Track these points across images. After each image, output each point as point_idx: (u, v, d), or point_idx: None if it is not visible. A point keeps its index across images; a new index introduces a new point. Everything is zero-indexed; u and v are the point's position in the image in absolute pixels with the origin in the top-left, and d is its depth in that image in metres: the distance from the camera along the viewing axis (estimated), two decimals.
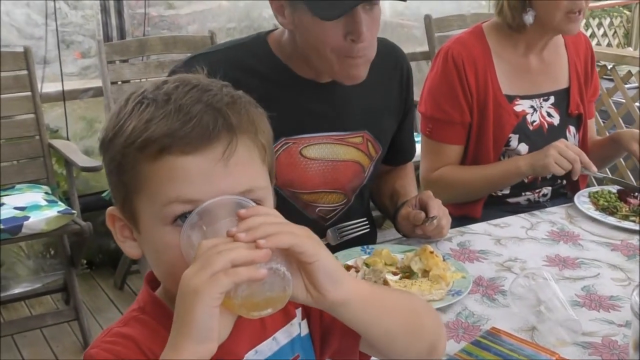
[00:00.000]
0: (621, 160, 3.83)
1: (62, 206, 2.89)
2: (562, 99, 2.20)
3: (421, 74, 4.29)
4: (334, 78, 1.65)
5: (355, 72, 1.60)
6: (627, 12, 7.22)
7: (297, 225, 0.84)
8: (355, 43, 1.54)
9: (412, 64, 4.16)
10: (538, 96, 2.17)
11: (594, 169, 1.97)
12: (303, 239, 0.82)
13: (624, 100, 3.93)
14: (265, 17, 3.95)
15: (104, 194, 3.28)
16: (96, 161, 2.96)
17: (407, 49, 4.35)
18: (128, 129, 0.88)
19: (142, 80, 3.41)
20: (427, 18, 3.95)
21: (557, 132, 2.17)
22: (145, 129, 0.86)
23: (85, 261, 3.62)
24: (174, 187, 0.86)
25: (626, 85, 3.95)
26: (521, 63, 2.16)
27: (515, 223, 1.92)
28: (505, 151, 2.14)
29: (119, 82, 3.37)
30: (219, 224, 0.84)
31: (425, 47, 4.07)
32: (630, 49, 6.84)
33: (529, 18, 2.07)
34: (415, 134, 2.08)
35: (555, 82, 2.20)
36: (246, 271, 0.77)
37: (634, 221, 1.87)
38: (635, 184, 2.04)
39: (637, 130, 2.17)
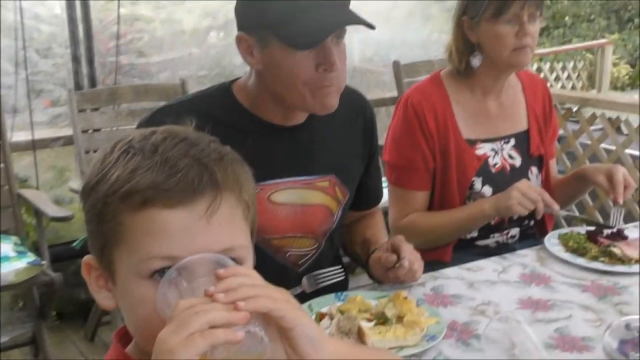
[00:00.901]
0: (588, 199, 3.89)
1: (31, 257, 2.85)
2: (523, 140, 2.25)
3: (390, 119, 4.34)
4: (307, 110, 1.68)
5: (328, 101, 1.62)
6: (590, 56, 7.41)
7: (276, 287, 0.83)
8: (328, 72, 1.58)
9: (382, 109, 4.25)
10: (499, 139, 2.22)
11: (557, 207, 2.00)
12: (282, 303, 0.81)
13: (589, 142, 4.00)
14: (236, 65, 3.98)
15: (74, 244, 3.25)
16: (67, 211, 2.94)
17: (376, 94, 4.44)
18: (112, 178, 0.87)
19: (113, 128, 3.41)
20: (396, 64, 4.02)
21: (519, 174, 2.20)
22: (130, 179, 0.86)
23: (55, 313, 3.56)
24: (154, 241, 0.85)
25: (591, 127, 4.03)
26: (480, 107, 2.21)
27: (487, 266, 1.93)
28: (470, 194, 2.18)
29: (90, 131, 3.36)
30: (197, 282, 0.83)
31: (394, 93, 4.12)
32: (594, 91, 7.00)
33: (476, 61, 2.13)
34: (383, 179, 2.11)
35: (515, 124, 2.25)
36: (223, 333, 0.76)
37: (603, 262, 1.89)
38: (603, 222, 2.06)
39: (601, 164, 2.21)
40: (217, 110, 1.68)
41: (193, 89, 3.59)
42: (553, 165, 2.38)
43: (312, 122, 1.75)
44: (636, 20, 13.16)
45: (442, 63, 3.97)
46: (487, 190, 2.16)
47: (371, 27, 1.55)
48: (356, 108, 1.87)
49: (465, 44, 2.14)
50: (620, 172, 2.06)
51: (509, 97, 2.25)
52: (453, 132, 2.15)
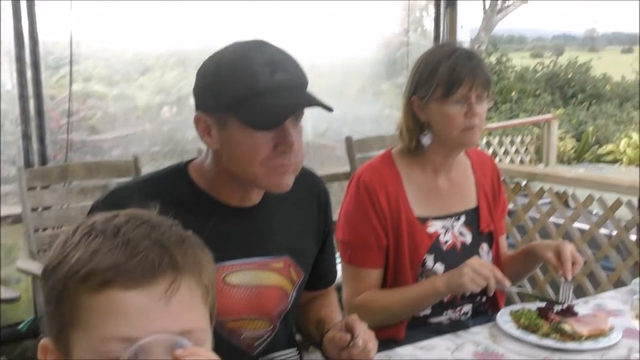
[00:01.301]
0: (540, 273, 3.94)
1: None
2: (473, 218, 2.28)
3: (343, 194, 4.37)
4: (263, 189, 1.68)
5: (284, 181, 1.63)
6: (537, 130, 7.61)
7: None
8: (286, 153, 1.59)
9: (335, 184, 4.28)
10: (449, 216, 2.25)
11: (508, 283, 2.02)
12: None
13: (538, 216, 4.08)
14: (188, 140, 3.99)
15: (20, 326, 3.16)
16: (14, 291, 2.87)
17: (329, 169, 4.48)
18: (72, 259, 0.87)
19: (64, 206, 3.37)
20: (348, 140, 4.07)
21: (470, 251, 2.23)
22: (90, 260, 0.86)
23: None
24: (112, 323, 0.85)
25: (540, 201, 4.12)
26: (431, 185, 2.25)
27: (440, 344, 1.93)
28: (422, 272, 2.19)
29: (40, 209, 3.32)
30: None
31: (347, 168, 4.16)
32: (542, 165, 7.17)
33: (426, 140, 2.17)
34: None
35: (465, 202, 2.29)
36: None
37: (554, 339, 1.91)
38: (554, 297, 2.09)
39: (550, 241, 2.25)
40: (173, 192, 1.67)
41: (146, 165, 3.59)
42: (503, 242, 2.42)
43: (268, 203, 1.75)
44: (579, 96, 13.65)
45: (394, 139, 4.04)
46: (439, 267, 2.18)
47: (329, 109, 1.58)
48: (311, 188, 1.89)
49: (415, 122, 2.19)
50: (568, 249, 2.10)
51: (459, 174, 2.30)
52: (405, 210, 2.18)
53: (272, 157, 1.60)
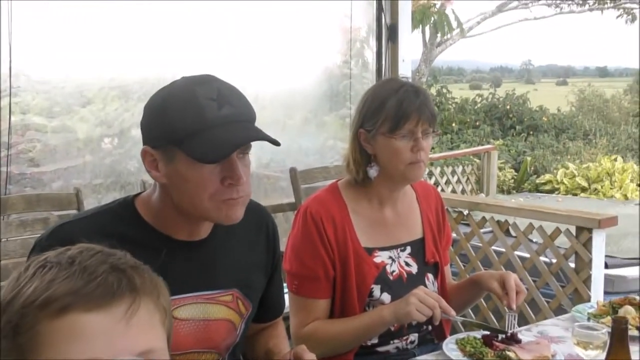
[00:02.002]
0: (483, 302, 3.99)
1: None
2: (418, 248, 2.31)
3: (288, 224, 4.37)
4: (212, 221, 1.68)
5: (233, 213, 1.63)
6: (477, 161, 7.75)
7: None
8: (234, 186, 1.59)
9: (279, 215, 4.27)
10: (395, 247, 2.27)
11: (453, 313, 2.05)
12: None
13: (481, 245, 4.14)
14: (131, 171, 3.94)
15: None
16: None
17: (274, 200, 4.47)
18: (29, 291, 0.87)
19: (3, 240, 3.28)
20: (292, 170, 4.07)
21: (416, 281, 2.25)
22: (47, 288, 0.86)
23: None
24: (74, 346, 0.85)
25: (482, 230, 4.18)
26: (377, 217, 2.27)
27: None
28: (369, 301, 2.20)
29: None
30: None
31: (292, 199, 4.16)
32: (482, 195, 7.30)
33: (373, 172, 2.20)
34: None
35: (411, 233, 2.32)
36: None
37: None
38: (497, 325, 2.12)
39: (494, 272, 2.29)
40: (120, 227, 1.65)
41: (88, 197, 3.53)
42: (448, 272, 2.45)
43: (216, 236, 1.75)
44: (517, 127, 13.98)
45: (338, 169, 4.13)
46: (386, 297, 2.19)
47: (276, 143, 1.59)
48: (259, 221, 1.89)
49: (362, 155, 2.21)
50: (512, 278, 2.14)
51: (405, 206, 2.33)
52: (351, 241, 2.19)
53: (220, 190, 1.60)
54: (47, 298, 0.85)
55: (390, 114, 2.14)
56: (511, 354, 1.95)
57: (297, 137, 4.86)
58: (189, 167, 1.57)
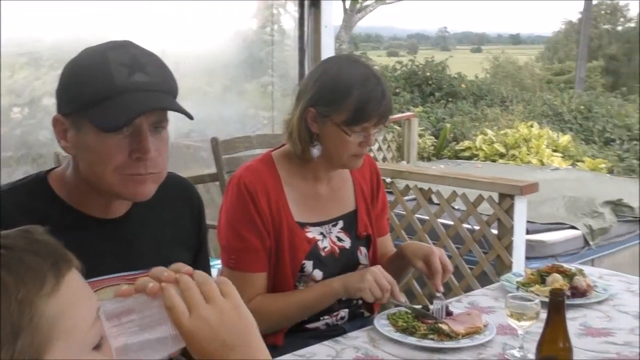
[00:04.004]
0: (417, 285, 4.01)
1: None
2: (351, 222, 2.26)
3: (209, 195, 4.28)
4: (120, 197, 1.57)
5: (141, 190, 1.53)
6: (398, 128, 7.77)
7: None
8: (142, 161, 1.49)
9: (200, 186, 4.16)
10: (327, 222, 2.22)
11: (402, 299, 2.03)
12: None
13: (404, 213, 4.14)
14: (42, 142, 3.75)
15: None
16: None
17: (194, 171, 4.35)
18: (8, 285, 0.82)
19: None
20: (214, 140, 3.96)
21: (349, 256, 2.21)
22: (26, 271, 0.84)
23: None
24: (86, 305, 0.88)
25: (405, 198, 4.18)
26: (310, 192, 2.21)
27: (320, 351, 1.89)
28: (301, 277, 2.15)
29: None
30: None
31: (213, 169, 4.06)
32: (404, 162, 7.34)
33: (315, 152, 2.12)
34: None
35: (343, 206, 2.26)
36: None
37: (433, 339, 1.91)
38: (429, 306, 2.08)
39: (419, 244, 2.25)
40: (33, 202, 1.54)
41: None
42: (387, 242, 2.40)
43: (135, 213, 1.64)
44: (437, 94, 14.14)
45: (260, 139, 4.04)
46: (318, 273, 2.14)
47: (189, 116, 1.50)
48: (182, 196, 1.79)
49: (307, 133, 2.12)
50: (437, 258, 2.10)
51: (338, 180, 2.27)
52: (285, 214, 2.12)
53: (126, 164, 1.49)
54: (34, 278, 0.82)
55: (351, 108, 2.05)
56: (444, 327, 1.93)
57: (218, 105, 4.74)
58: (95, 136, 1.47)
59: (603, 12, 34.33)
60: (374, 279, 2.00)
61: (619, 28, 35.11)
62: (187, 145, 4.65)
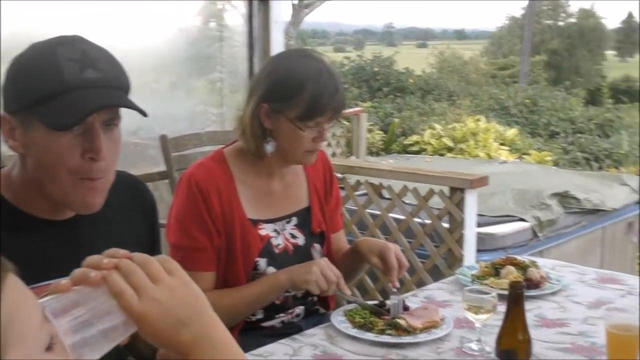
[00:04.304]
0: (369, 280, 4.00)
1: None
2: (305, 218, 2.24)
3: (158, 193, 4.21)
4: (68, 206, 1.52)
5: (91, 199, 1.48)
6: (347, 123, 7.76)
7: None
8: (95, 161, 1.45)
9: (150, 185, 4.08)
10: (280, 219, 2.19)
11: (348, 292, 2.02)
12: None
13: (356, 208, 4.14)
14: None
15: None
16: None
17: (143, 169, 4.27)
18: None
19: None
20: (163, 138, 3.89)
21: (302, 253, 2.19)
22: None
23: None
24: (32, 306, 0.83)
25: (356, 193, 4.18)
26: (264, 188, 2.18)
27: (277, 350, 1.87)
28: (254, 275, 2.12)
29: None
30: None
31: (162, 167, 4.00)
32: (353, 157, 7.34)
33: (269, 148, 2.10)
34: None
35: (296, 203, 2.24)
36: None
37: (390, 334, 1.90)
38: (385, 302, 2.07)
39: (375, 240, 2.24)
40: None
41: None
42: (341, 236, 2.39)
43: (86, 214, 1.59)
44: (385, 89, 14.21)
45: (210, 135, 3.99)
46: (272, 271, 2.12)
47: (143, 113, 1.46)
48: (134, 195, 1.75)
49: (260, 129, 2.09)
50: (392, 253, 2.10)
51: (292, 176, 2.24)
52: (237, 212, 2.09)
53: (80, 165, 1.44)
54: None
55: (305, 103, 2.02)
56: (401, 322, 1.92)
57: (166, 102, 4.67)
58: (45, 135, 1.42)
59: (545, 7, 35.01)
60: (320, 271, 1.98)
61: (561, 23, 35.88)
62: (135, 143, 4.56)
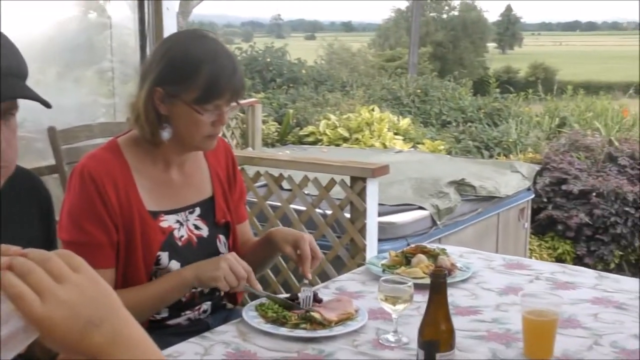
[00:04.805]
0: (271, 274, 3.92)
1: None
2: (208, 209, 2.14)
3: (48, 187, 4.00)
4: None
5: None
6: (242, 114, 7.66)
7: None
8: None
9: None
10: (183, 210, 2.09)
11: (259, 287, 1.95)
12: None
13: (256, 200, 4.07)
14: None
15: None
16: None
17: (30, 163, 4.04)
18: None
19: None
20: (52, 130, 3.68)
21: (207, 245, 2.10)
22: None
23: None
24: None
25: (256, 185, 4.11)
26: (162, 178, 2.07)
27: (187, 350, 1.77)
28: (157, 270, 2.01)
29: None
30: None
31: (50, 161, 3.79)
32: (250, 148, 7.25)
33: (166, 134, 1.99)
34: None
35: (199, 192, 2.14)
36: None
37: (305, 328, 1.84)
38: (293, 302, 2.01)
39: (289, 230, 2.19)
40: None
41: None
42: (246, 227, 2.31)
43: None
44: (278, 80, 14.14)
45: (103, 127, 3.81)
46: (175, 265, 2.01)
47: (47, 105, 1.34)
48: (28, 189, 1.61)
49: (155, 115, 1.97)
50: (307, 243, 2.05)
51: (192, 165, 2.14)
52: (135, 203, 1.97)
53: None
54: None
55: (201, 85, 1.91)
56: (316, 315, 1.86)
57: (53, 93, 4.42)
58: None
59: (429, 0, 35.89)
60: (229, 267, 1.89)
61: (444, 16, 36.87)
62: (20, 136, 4.28)
